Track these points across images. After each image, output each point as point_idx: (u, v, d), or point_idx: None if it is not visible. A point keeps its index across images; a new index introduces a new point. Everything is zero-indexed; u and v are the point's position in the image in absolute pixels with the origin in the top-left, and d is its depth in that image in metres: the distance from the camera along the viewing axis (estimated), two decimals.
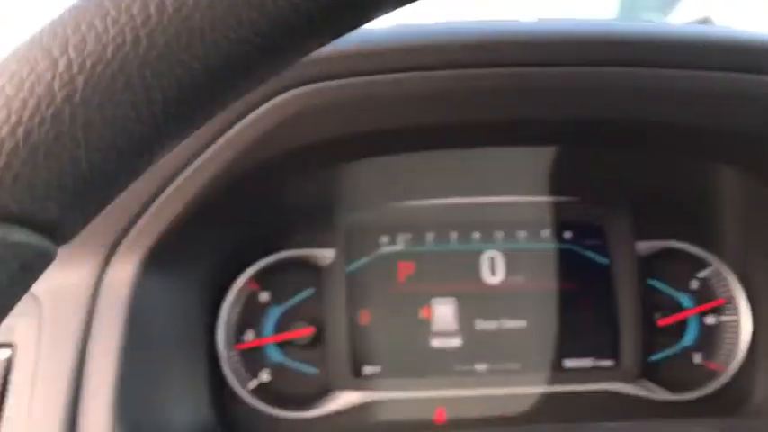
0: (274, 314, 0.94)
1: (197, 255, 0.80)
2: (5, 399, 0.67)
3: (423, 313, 0.95)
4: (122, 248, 0.71)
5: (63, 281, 0.70)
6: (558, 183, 0.95)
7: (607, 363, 0.95)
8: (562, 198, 0.97)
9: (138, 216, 0.70)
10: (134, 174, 0.31)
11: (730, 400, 0.93)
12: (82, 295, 0.69)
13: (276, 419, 0.90)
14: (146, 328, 0.73)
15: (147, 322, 0.73)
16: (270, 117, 0.59)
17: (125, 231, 0.71)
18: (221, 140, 0.61)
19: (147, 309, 0.73)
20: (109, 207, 0.69)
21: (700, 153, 0.84)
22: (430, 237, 0.97)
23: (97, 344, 0.68)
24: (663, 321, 0.95)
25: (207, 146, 0.62)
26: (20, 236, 0.27)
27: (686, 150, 0.83)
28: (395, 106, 0.63)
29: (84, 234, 0.70)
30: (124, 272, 0.71)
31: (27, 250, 0.28)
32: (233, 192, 0.69)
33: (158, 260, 0.73)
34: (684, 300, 0.97)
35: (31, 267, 0.28)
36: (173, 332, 0.78)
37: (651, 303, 0.96)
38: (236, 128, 0.61)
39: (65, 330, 0.68)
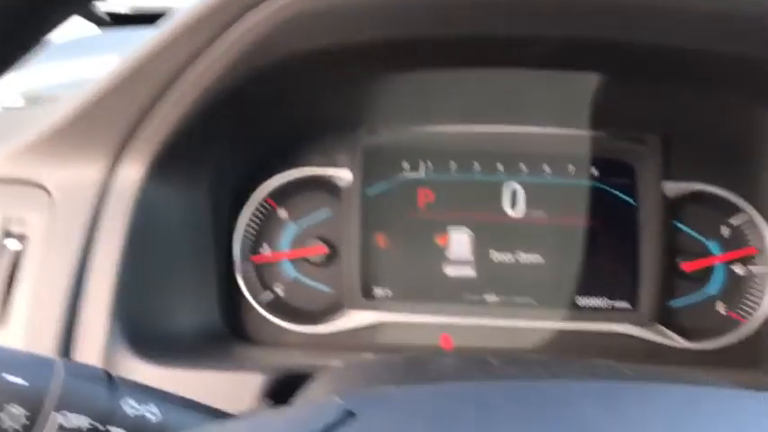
0: (291, 231, 0.95)
1: (208, 162, 0.81)
2: (15, 287, 0.70)
3: (439, 241, 0.95)
4: (131, 150, 0.73)
5: (74, 178, 0.73)
6: (588, 116, 0.92)
7: (623, 304, 0.93)
8: (592, 132, 0.94)
9: (143, 118, 0.71)
10: None
11: (748, 353, 0.90)
12: (91, 193, 0.72)
13: (286, 332, 0.92)
14: (153, 229, 0.75)
15: (155, 224, 0.75)
16: (266, 21, 0.59)
17: (132, 133, 0.72)
18: (218, 43, 0.61)
19: (156, 211, 0.75)
20: (116, 112, 0.71)
21: (741, 89, 0.79)
22: (452, 165, 0.96)
23: (102, 241, 0.71)
24: (687, 266, 0.91)
25: (205, 48, 0.62)
26: None
27: (727, 85, 0.78)
28: (401, 14, 0.61)
29: (95, 134, 0.73)
30: (132, 172, 0.73)
31: None
32: (238, 98, 0.69)
33: (167, 163, 0.75)
34: (713, 246, 0.93)
35: None
36: (183, 237, 0.81)
37: (677, 248, 0.93)
38: (233, 31, 0.60)
39: (73, 226, 0.71)
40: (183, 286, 0.81)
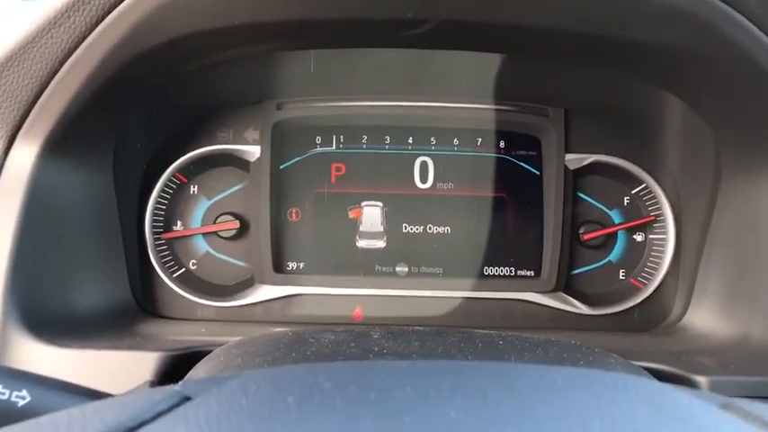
0: (202, 206, 0.96)
1: (110, 141, 0.81)
2: None
3: (351, 214, 0.96)
4: (21, 135, 0.72)
5: None
6: (495, 91, 0.94)
7: (528, 273, 0.96)
8: (498, 106, 0.95)
9: (32, 102, 0.70)
10: None
11: (646, 317, 0.94)
12: None
13: (199, 306, 0.93)
14: (51, 210, 0.75)
15: (53, 204, 0.75)
16: (151, 1, 0.59)
17: (22, 118, 0.71)
18: (107, 22, 0.61)
19: (53, 191, 0.75)
20: (5, 93, 0.70)
21: (636, 68, 0.81)
22: (364, 139, 0.97)
23: None
24: (588, 236, 0.95)
25: (93, 27, 0.62)
26: None
27: (623, 64, 0.80)
28: None
29: None
30: (25, 154, 0.72)
31: None
32: (135, 77, 0.69)
33: (64, 143, 0.74)
34: (614, 215, 0.96)
35: None
36: (86, 216, 0.80)
37: (580, 217, 0.96)
38: (121, 9, 0.60)
39: None
40: (88, 265, 0.81)
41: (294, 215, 0.96)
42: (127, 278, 0.87)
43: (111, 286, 0.85)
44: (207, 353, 0.62)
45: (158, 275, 0.93)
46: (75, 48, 0.65)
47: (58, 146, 0.74)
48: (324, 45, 0.71)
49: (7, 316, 0.67)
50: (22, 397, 0.46)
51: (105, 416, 0.32)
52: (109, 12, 0.62)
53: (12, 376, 0.48)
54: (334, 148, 0.97)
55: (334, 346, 0.55)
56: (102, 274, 0.83)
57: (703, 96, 0.74)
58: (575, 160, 0.95)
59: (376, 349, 0.54)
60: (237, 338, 0.64)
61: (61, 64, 0.67)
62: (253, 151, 0.94)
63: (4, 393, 0.46)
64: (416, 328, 0.64)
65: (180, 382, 0.38)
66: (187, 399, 0.35)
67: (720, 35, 0.62)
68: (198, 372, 0.57)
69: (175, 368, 0.68)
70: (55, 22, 0.63)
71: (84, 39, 0.64)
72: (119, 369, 0.65)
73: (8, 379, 0.47)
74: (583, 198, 0.96)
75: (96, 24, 0.62)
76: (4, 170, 0.72)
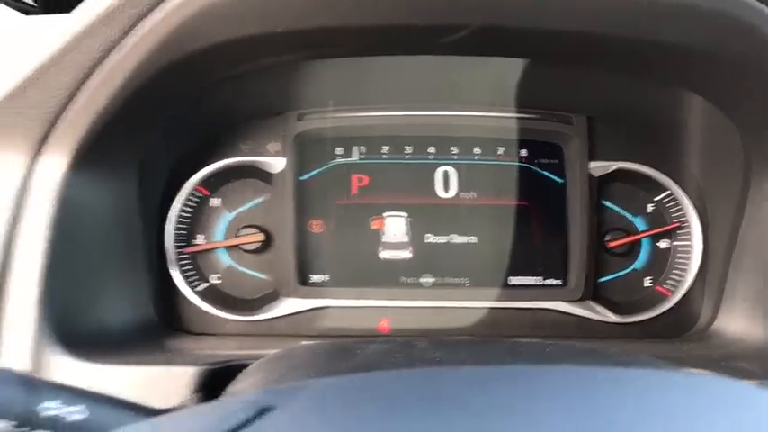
0: (225, 220, 0.95)
1: (136, 153, 0.80)
2: None
3: (374, 225, 0.95)
4: (51, 143, 0.71)
5: None
6: (517, 99, 0.93)
7: (554, 282, 0.95)
8: (520, 114, 0.95)
9: (60, 113, 0.70)
10: None
11: (675, 324, 0.93)
12: (11, 190, 0.70)
13: (223, 321, 0.92)
14: (79, 224, 0.73)
15: (81, 218, 0.74)
16: (183, 11, 0.58)
17: (52, 125, 0.70)
18: (135, 32, 0.60)
19: (81, 204, 0.73)
20: (34, 103, 0.69)
21: (660, 73, 0.81)
22: (385, 150, 0.97)
23: (25, 238, 0.69)
24: (613, 243, 0.94)
25: (122, 37, 0.61)
26: None
27: (647, 69, 0.80)
28: (321, 4, 0.61)
29: (12, 129, 0.71)
30: (54, 166, 0.71)
31: None
32: (162, 88, 0.68)
33: (91, 155, 0.73)
34: (638, 222, 0.96)
35: None
36: (112, 230, 0.79)
37: (604, 226, 0.95)
38: (150, 20, 0.59)
39: None
40: (114, 280, 0.79)
41: (316, 227, 0.95)
42: (150, 294, 0.86)
43: (137, 302, 0.84)
44: (242, 367, 0.61)
45: (180, 291, 0.91)
46: (103, 59, 0.64)
47: (85, 158, 0.72)
48: (360, 52, 0.70)
49: (41, 332, 0.66)
50: (79, 413, 0.45)
51: (192, 427, 0.31)
52: (143, 19, 0.61)
53: (68, 392, 0.46)
54: (354, 158, 0.96)
55: (381, 356, 0.54)
56: (127, 290, 0.82)
57: (737, 100, 0.74)
58: (598, 168, 0.94)
59: (426, 358, 0.53)
60: (274, 351, 0.62)
61: (90, 75, 0.66)
62: (275, 163, 0.93)
63: (62, 410, 0.45)
64: (457, 337, 0.63)
65: (255, 390, 0.37)
66: (265, 409, 0.34)
67: (760, 37, 0.62)
68: (241, 385, 0.56)
69: (209, 383, 0.67)
70: (88, 32, 0.62)
71: (112, 50, 0.63)
72: (156, 384, 0.64)
73: (65, 395, 0.46)
74: (607, 206, 0.96)
75: (129, 32, 0.62)
76: (32, 183, 0.71)
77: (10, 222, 0.69)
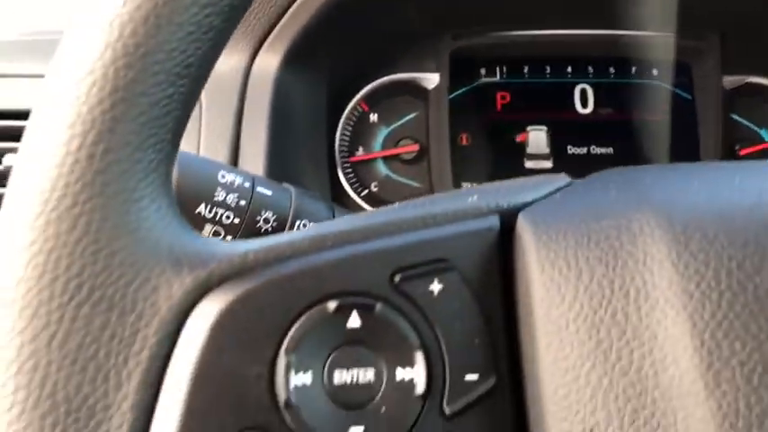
0: (382, 134, 1.03)
1: (326, 62, 0.89)
2: None
3: (518, 138, 1.03)
4: (267, 45, 0.81)
5: (219, 68, 0.80)
6: (649, 17, 1.01)
7: None
8: (653, 33, 1.03)
9: (278, 18, 0.79)
10: None
11: None
12: (236, 79, 0.79)
13: None
14: (287, 114, 0.83)
15: (288, 110, 0.83)
16: None
17: (269, 30, 0.80)
18: None
19: (288, 98, 0.83)
20: (254, 10, 0.79)
21: None
22: (525, 69, 1.05)
23: (249, 121, 0.78)
24: (745, 150, 1.01)
25: None
26: None
27: None
28: None
29: (236, 32, 0.81)
30: (269, 63, 0.80)
31: None
32: (353, 4, 0.79)
33: (295, 58, 0.82)
34: (765, 134, 1.03)
35: None
36: (308, 129, 0.88)
37: (733, 138, 1.03)
38: None
39: (222, 110, 0.79)
40: (306, 173, 0.88)
41: (465, 140, 1.03)
42: (329, 194, 0.95)
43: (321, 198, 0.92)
44: None
45: (348, 195, 1.00)
46: None
47: (292, 58, 0.82)
48: None
49: None
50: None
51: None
52: None
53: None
54: (498, 78, 1.04)
55: None
56: (314, 186, 0.91)
57: None
58: (728, 82, 1.02)
59: None
60: None
61: None
62: (430, 79, 1.02)
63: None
64: None
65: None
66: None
67: None
68: None
69: None
70: None
71: None
72: None
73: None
74: (735, 119, 1.03)
75: None
76: (253, 74, 0.80)
77: (237, 108, 0.79)
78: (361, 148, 1.03)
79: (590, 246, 0.34)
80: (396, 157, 1.02)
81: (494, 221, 0.37)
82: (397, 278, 0.34)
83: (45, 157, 0.30)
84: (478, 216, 0.37)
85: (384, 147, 1.03)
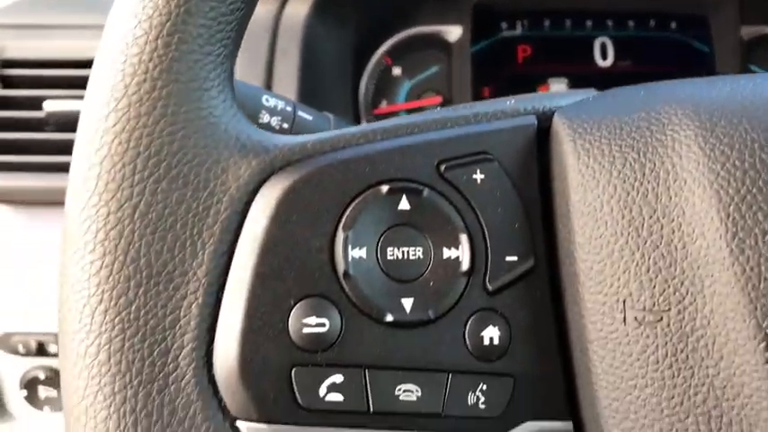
0: (405, 87, 1.06)
1: (352, 12, 0.91)
2: None
3: (539, 90, 1.06)
4: None
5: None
6: None
7: None
8: None
9: None
10: None
11: None
12: (266, 27, 0.82)
13: None
14: (313, 63, 0.85)
15: (315, 59, 0.86)
16: None
17: None
18: None
19: (315, 48, 0.85)
20: None
21: None
22: (546, 23, 1.07)
23: (280, 66, 0.81)
24: None
25: None
26: None
27: None
28: None
29: None
30: (298, 11, 0.83)
31: None
32: None
33: (323, 8, 0.85)
34: None
35: None
36: (336, 78, 0.91)
37: None
38: None
39: (254, 56, 0.81)
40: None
41: (488, 93, 1.05)
42: None
43: None
44: None
45: None
46: None
47: (322, 8, 0.84)
48: None
49: None
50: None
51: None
52: None
53: None
54: (518, 31, 1.06)
55: None
56: None
57: None
58: (746, 33, 1.03)
59: None
60: None
61: None
62: (452, 31, 1.04)
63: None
64: None
65: None
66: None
67: None
68: None
69: None
70: None
71: None
72: None
73: None
74: (754, 71, 1.05)
75: None
76: (281, 23, 0.83)
77: (268, 53, 0.81)
78: (384, 101, 1.05)
79: (622, 135, 0.36)
80: (419, 109, 1.05)
81: (531, 119, 0.40)
82: (442, 167, 0.37)
83: (126, 45, 0.33)
84: (517, 116, 0.40)
85: (407, 99, 1.05)
